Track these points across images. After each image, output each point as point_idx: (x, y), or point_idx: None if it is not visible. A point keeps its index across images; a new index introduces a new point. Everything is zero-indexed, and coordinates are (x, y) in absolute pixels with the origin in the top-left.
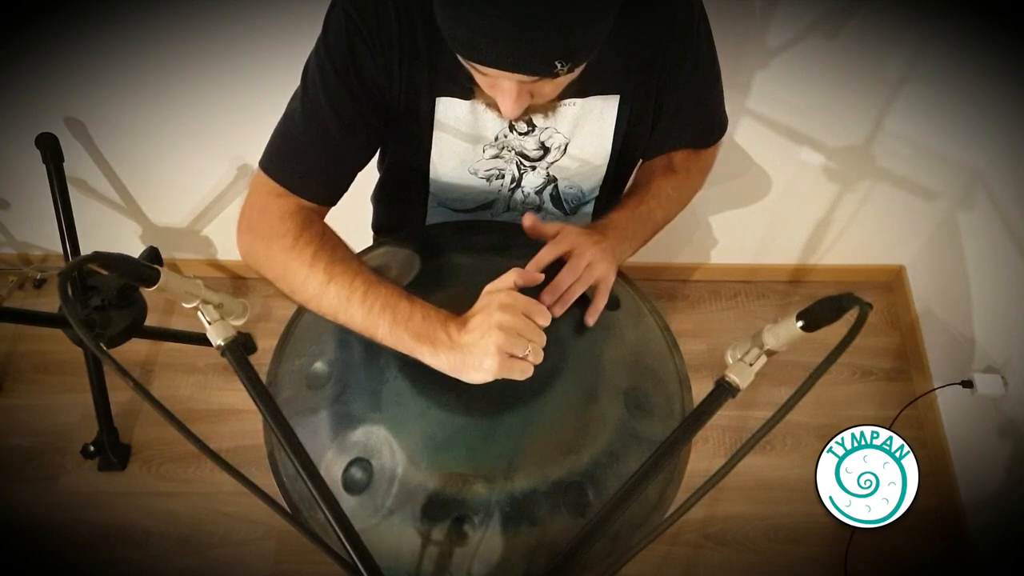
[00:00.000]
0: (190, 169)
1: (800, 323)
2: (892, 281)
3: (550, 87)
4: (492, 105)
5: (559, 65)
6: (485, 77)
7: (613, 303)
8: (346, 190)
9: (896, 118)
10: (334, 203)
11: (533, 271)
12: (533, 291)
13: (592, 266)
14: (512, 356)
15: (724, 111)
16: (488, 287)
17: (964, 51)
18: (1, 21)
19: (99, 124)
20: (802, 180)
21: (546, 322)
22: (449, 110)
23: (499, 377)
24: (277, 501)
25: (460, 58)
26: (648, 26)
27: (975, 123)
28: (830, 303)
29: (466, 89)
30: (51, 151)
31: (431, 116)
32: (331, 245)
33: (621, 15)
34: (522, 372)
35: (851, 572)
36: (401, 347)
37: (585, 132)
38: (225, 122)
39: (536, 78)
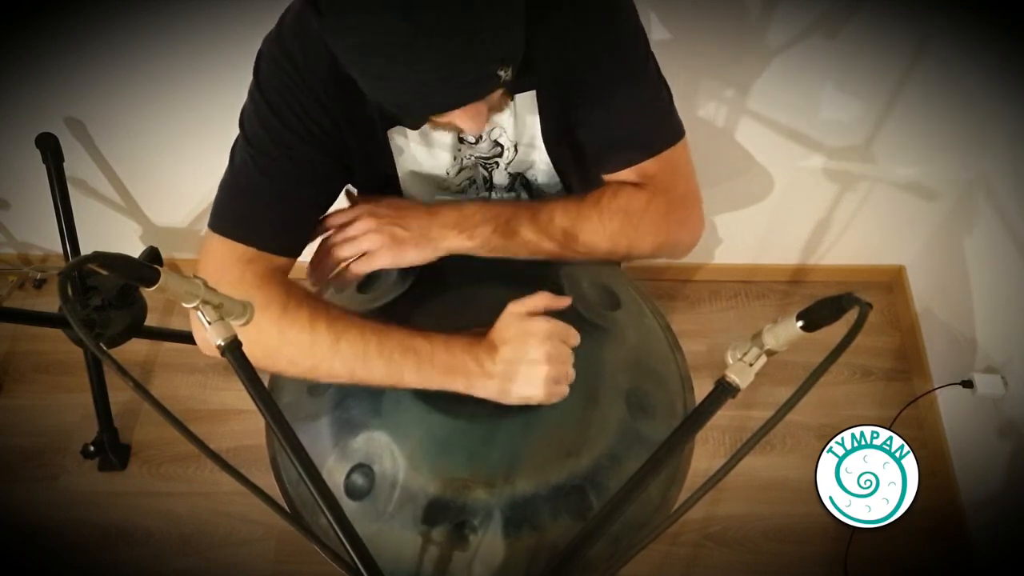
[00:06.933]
0: (190, 169)
1: (800, 323)
2: (892, 281)
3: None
4: (451, 128)
5: (502, 73)
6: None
7: (614, 303)
8: (313, 238)
9: (896, 118)
10: (300, 253)
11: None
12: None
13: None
14: (556, 383)
15: (658, 122)
16: (513, 308)
17: (964, 51)
18: (1, 21)
19: (99, 124)
20: (802, 180)
21: (576, 344)
22: (402, 139)
23: (541, 403)
24: (277, 501)
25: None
26: (553, 12)
27: (975, 123)
28: (830, 303)
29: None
30: (51, 151)
31: (387, 149)
32: (320, 303)
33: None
34: (561, 396)
35: (851, 572)
36: (432, 385)
37: (524, 128)
38: (225, 122)
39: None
